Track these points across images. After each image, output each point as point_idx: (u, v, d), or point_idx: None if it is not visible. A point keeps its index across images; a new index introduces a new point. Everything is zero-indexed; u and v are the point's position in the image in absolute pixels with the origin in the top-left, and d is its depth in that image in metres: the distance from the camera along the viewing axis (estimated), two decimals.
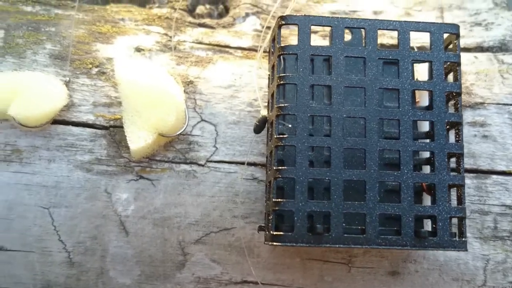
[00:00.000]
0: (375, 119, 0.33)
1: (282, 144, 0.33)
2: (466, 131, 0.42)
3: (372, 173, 0.33)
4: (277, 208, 0.33)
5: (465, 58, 0.45)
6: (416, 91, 0.38)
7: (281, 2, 0.48)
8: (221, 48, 0.45)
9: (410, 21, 0.35)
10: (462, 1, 0.49)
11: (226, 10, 0.48)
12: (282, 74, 0.34)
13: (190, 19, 0.46)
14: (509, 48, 0.46)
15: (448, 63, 0.36)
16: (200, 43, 0.45)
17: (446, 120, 0.34)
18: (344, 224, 0.32)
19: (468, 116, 0.43)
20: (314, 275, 0.41)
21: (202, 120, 0.41)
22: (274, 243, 0.32)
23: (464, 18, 0.48)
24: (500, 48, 0.46)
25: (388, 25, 0.35)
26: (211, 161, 0.41)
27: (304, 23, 0.34)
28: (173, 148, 0.41)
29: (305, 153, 0.33)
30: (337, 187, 0.32)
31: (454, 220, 0.35)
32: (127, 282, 0.40)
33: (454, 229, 0.35)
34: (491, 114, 0.43)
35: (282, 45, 0.35)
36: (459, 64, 0.35)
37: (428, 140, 0.37)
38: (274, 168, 0.33)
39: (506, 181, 0.42)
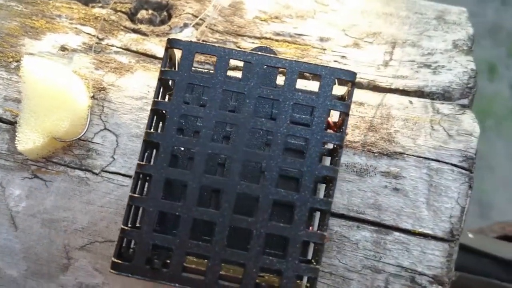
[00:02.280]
0: (240, 160, 0.32)
1: (140, 172, 0.33)
2: (377, 180, 0.40)
3: (225, 215, 0.31)
4: (122, 235, 0.32)
5: (398, 102, 0.42)
6: None
7: (226, 17, 0.47)
8: (146, 57, 0.44)
9: (301, 61, 0.33)
10: (420, 38, 0.46)
11: (169, 17, 0.48)
12: (156, 99, 0.33)
13: (127, 23, 0.46)
14: (451, 97, 0.42)
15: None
16: (127, 49, 0.44)
17: (317, 172, 0.32)
18: (184, 264, 0.31)
19: (383, 164, 0.40)
20: None
21: (105, 128, 0.41)
22: (111, 271, 0.32)
23: (414, 57, 0.44)
24: (442, 95, 0.42)
25: (277, 62, 0.33)
26: (106, 171, 0.41)
27: (189, 49, 0.33)
28: (71, 153, 0.41)
29: (160, 184, 0.32)
30: (185, 224, 0.31)
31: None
32: (14, 275, 0.41)
33: None
34: (408, 166, 0.40)
35: (163, 69, 0.34)
36: (347, 114, 0.33)
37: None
38: (130, 194, 0.33)
39: (408, 241, 0.39)
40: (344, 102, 0.33)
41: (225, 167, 0.35)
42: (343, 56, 0.45)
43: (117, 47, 0.44)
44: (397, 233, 0.39)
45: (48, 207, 0.40)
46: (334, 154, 0.34)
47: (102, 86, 0.42)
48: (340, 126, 0.33)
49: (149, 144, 0.33)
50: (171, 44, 0.34)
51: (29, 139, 0.38)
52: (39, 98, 0.39)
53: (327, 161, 0.37)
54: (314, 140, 0.32)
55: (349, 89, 0.33)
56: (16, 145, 0.38)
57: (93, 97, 0.41)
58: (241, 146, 0.32)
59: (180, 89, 0.33)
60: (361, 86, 0.43)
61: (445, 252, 0.38)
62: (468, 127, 0.41)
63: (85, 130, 0.40)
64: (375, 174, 0.40)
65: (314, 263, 0.32)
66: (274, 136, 0.32)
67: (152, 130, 0.33)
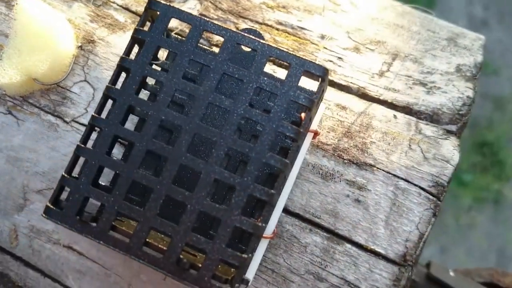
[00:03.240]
0: (191, 133, 0.31)
1: (92, 123, 0.32)
2: (341, 188, 0.38)
3: (164, 184, 0.31)
4: (60, 182, 0.32)
5: (383, 114, 0.41)
6: None
7: None
8: None
9: (273, 46, 0.32)
10: (423, 55, 0.44)
11: None
12: (123, 56, 0.33)
13: None
14: (439, 120, 0.40)
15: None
16: (127, 9, 0.44)
17: (264, 160, 0.31)
18: (113, 223, 0.31)
19: (350, 172, 0.39)
20: (133, 268, 0.40)
21: (85, 80, 0.41)
22: (43, 215, 0.32)
23: (412, 73, 0.43)
24: (430, 117, 0.41)
25: (249, 42, 0.32)
26: (76, 122, 0.41)
27: (166, 12, 0.33)
28: (48, 97, 0.41)
29: (107, 139, 0.32)
30: (122, 184, 0.31)
31: None
32: None
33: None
34: (375, 180, 0.38)
35: (137, 27, 0.33)
36: (309, 109, 0.32)
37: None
38: (77, 143, 0.33)
39: (358, 255, 0.37)
40: (308, 96, 0.32)
41: (175, 136, 0.35)
42: (339, 58, 0.43)
43: (117, 4, 0.44)
44: (348, 245, 0.38)
45: (15, 145, 0.41)
46: (291, 148, 0.33)
47: (92, 39, 0.42)
48: (301, 121, 0.32)
49: (107, 98, 0.33)
50: (150, 5, 0.33)
51: (6, 74, 0.38)
52: (25, 36, 0.39)
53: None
54: (269, 128, 0.31)
55: (319, 84, 0.32)
56: None
57: (80, 47, 0.41)
58: (195, 119, 0.31)
59: (148, 49, 0.32)
60: (349, 90, 0.42)
61: (393, 275, 0.37)
62: (447, 153, 0.39)
63: (64, 76, 0.40)
64: (340, 181, 0.38)
65: (243, 253, 0.31)
66: (229, 115, 0.31)
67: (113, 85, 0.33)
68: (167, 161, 0.31)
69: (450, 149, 0.39)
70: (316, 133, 0.38)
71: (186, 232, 0.30)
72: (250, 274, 0.37)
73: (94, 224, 0.31)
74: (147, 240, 0.31)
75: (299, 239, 0.38)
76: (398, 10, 0.48)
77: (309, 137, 0.37)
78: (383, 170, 0.38)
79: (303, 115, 0.32)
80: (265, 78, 0.32)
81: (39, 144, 0.41)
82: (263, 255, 0.37)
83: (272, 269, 0.38)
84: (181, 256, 0.30)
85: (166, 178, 0.31)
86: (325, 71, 0.32)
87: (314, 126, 0.38)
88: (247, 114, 0.31)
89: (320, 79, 0.32)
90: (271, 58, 0.42)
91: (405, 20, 0.47)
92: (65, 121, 0.41)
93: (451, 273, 0.64)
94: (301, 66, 0.31)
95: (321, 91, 0.32)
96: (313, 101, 0.32)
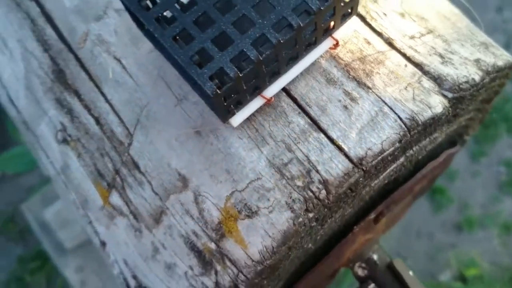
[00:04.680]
0: None
1: None
2: (337, 93, 0.46)
3: (225, 19, 0.39)
4: None
5: (397, 60, 0.48)
6: None
7: None
8: None
9: None
10: (454, 41, 0.51)
11: None
12: None
13: None
14: (440, 84, 0.47)
15: None
16: None
17: (284, 15, 0.39)
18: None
19: (349, 85, 0.46)
20: (156, 91, 0.49)
21: None
22: None
23: (437, 47, 0.50)
24: (434, 78, 0.48)
25: None
26: None
27: None
28: None
29: None
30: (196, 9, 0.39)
31: None
32: None
33: None
34: (367, 98, 0.46)
35: None
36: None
37: None
38: None
39: (326, 145, 0.45)
40: None
41: None
42: (384, 14, 0.52)
43: None
44: (322, 135, 0.45)
45: None
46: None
47: None
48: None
49: None
50: None
51: None
52: None
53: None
54: None
55: None
56: None
57: None
58: None
59: None
60: (380, 35, 0.50)
61: (345, 170, 0.44)
62: (433, 103, 0.45)
63: None
64: (339, 88, 0.46)
65: None
66: None
67: None
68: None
69: (437, 101, 0.46)
70: (337, 43, 0.46)
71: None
72: (237, 120, 0.45)
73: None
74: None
75: (288, 116, 0.46)
76: (454, 11, 0.55)
77: (329, 41, 0.46)
78: (376, 94, 0.46)
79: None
80: None
81: None
82: (253, 115, 0.46)
83: (256, 129, 0.46)
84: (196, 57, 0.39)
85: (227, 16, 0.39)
86: None
87: (337, 36, 0.46)
88: None
89: None
90: None
91: (455, 17, 0.54)
92: None
93: (411, 273, 0.68)
94: None
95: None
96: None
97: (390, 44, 0.50)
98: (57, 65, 0.53)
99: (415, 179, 0.58)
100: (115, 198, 0.50)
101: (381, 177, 0.49)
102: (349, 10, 0.45)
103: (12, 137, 1.47)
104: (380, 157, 0.44)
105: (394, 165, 0.49)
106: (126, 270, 0.50)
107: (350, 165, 0.44)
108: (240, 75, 0.38)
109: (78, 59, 0.54)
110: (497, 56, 0.51)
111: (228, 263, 0.44)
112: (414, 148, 0.50)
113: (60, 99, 0.52)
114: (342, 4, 0.42)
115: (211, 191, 0.45)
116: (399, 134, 0.44)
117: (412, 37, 0.50)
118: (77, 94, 0.52)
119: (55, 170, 0.55)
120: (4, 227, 1.81)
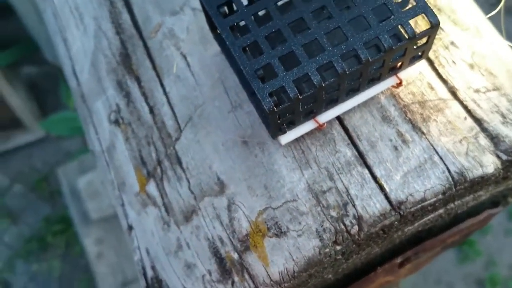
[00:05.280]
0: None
1: None
2: (390, 132, 0.46)
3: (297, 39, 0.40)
4: None
5: (457, 111, 0.47)
6: None
7: None
8: None
9: None
10: None
11: None
12: None
13: None
14: (497, 144, 0.46)
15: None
16: None
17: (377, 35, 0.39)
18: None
19: (404, 127, 0.46)
20: (214, 92, 0.50)
21: None
22: None
23: (500, 106, 0.49)
24: (491, 137, 0.46)
25: None
26: None
27: None
28: None
29: None
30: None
31: None
32: None
33: None
34: (418, 144, 0.45)
35: None
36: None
37: None
38: None
39: (368, 181, 0.44)
40: (414, 31, 0.40)
41: None
42: (453, 62, 0.51)
43: None
44: (366, 170, 0.45)
45: None
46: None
47: None
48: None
49: None
50: None
51: None
52: None
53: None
54: (396, 17, 0.39)
55: (427, 29, 0.40)
56: None
57: None
58: None
59: None
60: (444, 82, 0.49)
61: (382, 210, 0.43)
62: (486, 163, 0.44)
63: None
64: (393, 128, 0.46)
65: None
66: None
67: None
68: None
69: (490, 161, 0.45)
70: (400, 82, 0.46)
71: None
72: (286, 139, 0.45)
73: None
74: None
75: (336, 144, 0.46)
76: None
77: (392, 79, 0.45)
78: (429, 141, 0.45)
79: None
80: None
81: None
82: (303, 137, 0.46)
83: (303, 150, 0.46)
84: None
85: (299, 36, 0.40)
86: (437, 21, 0.40)
87: (402, 75, 0.46)
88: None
89: (430, 24, 0.40)
90: None
91: None
92: None
93: None
94: (423, 9, 0.40)
95: (425, 34, 0.40)
96: (414, 34, 0.40)
97: (453, 93, 0.49)
98: (126, 49, 0.55)
99: (450, 232, 0.57)
100: (151, 188, 0.51)
101: (416, 224, 0.48)
102: (420, 53, 0.45)
103: (63, 102, 1.52)
104: (420, 205, 0.43)
105: (432, 215, 0.48)
106: (147, 259, 0.51)
107: (388, 207, 0.43)
108: (300, 97, 0.39)
109: (146, 47, 0.56)
110: None
111: (247, 277, 0.44)
112: (456, 202, 0.49)
113: (121, 81, 0.54)
114: (414, 47, 0.41)
115: (246, 202, 0.46)
116: (444, 187, 0.44)
117: (477, 91, 0.49)
118: (138, 80, 0.53)
119: (100, 147, 0.57)
120: (37, 185, 1.87)
